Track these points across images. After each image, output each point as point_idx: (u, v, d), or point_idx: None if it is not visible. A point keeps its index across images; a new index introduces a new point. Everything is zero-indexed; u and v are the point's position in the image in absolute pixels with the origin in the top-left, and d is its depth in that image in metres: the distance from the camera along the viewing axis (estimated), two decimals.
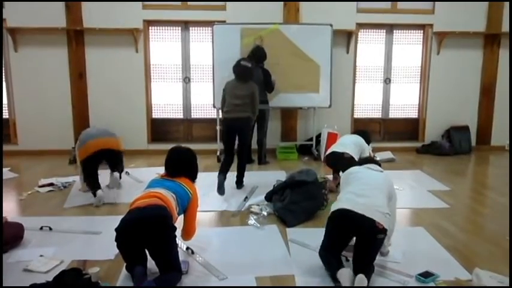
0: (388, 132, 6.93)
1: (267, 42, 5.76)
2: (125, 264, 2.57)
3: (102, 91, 6.25)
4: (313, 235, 3.10)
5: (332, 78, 6.00)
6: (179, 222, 2.77)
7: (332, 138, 5.68)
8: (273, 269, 2.72)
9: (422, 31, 6.65)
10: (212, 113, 6.42)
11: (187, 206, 2.81)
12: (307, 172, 3.89)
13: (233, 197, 4.23)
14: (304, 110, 6.42)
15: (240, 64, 4.53)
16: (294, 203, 3.64)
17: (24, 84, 6.14)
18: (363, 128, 5.46)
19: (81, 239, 3.20)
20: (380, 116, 6.89)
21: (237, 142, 4.51)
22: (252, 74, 4.58)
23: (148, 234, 2.42)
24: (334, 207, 2.64)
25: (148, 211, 2.49)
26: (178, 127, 6.66)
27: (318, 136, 6.23)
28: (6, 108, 6.22)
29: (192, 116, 6.63)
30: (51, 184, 4.59)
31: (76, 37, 6.02)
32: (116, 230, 2.47)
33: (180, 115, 6.62)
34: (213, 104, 6.03)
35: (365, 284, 2.33)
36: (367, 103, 6.82)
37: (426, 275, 2.57)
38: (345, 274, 2.40)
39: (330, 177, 4.52)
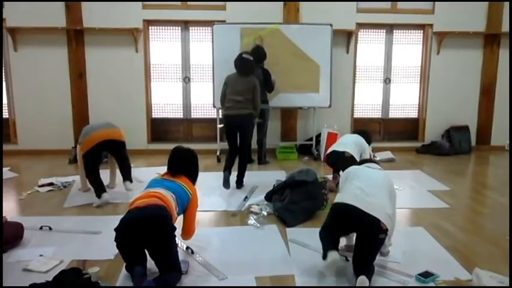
0: (388, 132, 6.92)
1: (267, 42, 5.76)
2: (124, 264, 2.57)
3: (102, 91, 6.25)
4: (313, 235, 3.07)
5: (332, 78, 6.00)
6: (179, 222, 2.77)
7: (332, 138, 5.68)
8: (273, 269, 2.71)
9: (422, 31, 6.65)
10: (212, 113, 6.42)
11: (187, 206, 2.82)
12: (307, 172, 3.88)
13: (233, 196, 4.23)
14: (304, 110, 6.42)
15: (242, 57, 4.51)
16: (293, 203, 3.63)
17: (24, 84, 6.14)
18: (363, 128, 5.45)
19: (81, 238, 3.19)
20: (380, 116, 6.89)
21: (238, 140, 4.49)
22: (253, 67, 4.56)
23: (148, 234, 2.42)
24: (340, 198, 2.61)
25: (148, 211, 2.49)
26: (178, 127, 6.65)
27: (318, 136, 6.23)
28: (6, 108, 6.22)
29: (192, 116, 6.63)
30: (51, 184, 4.59)
31: (76, 37, 6.02)
32: (116, 229, 2.46)
33: (180, 115, 6.62)
34: (213, 104, 6.03)
35: (367, 285, 2.34)
36: (367, 103, 6.82)
37: (426, 275, 2.57)
38: (331, 256, 2.44)
39: (330, 177, 4.52)
